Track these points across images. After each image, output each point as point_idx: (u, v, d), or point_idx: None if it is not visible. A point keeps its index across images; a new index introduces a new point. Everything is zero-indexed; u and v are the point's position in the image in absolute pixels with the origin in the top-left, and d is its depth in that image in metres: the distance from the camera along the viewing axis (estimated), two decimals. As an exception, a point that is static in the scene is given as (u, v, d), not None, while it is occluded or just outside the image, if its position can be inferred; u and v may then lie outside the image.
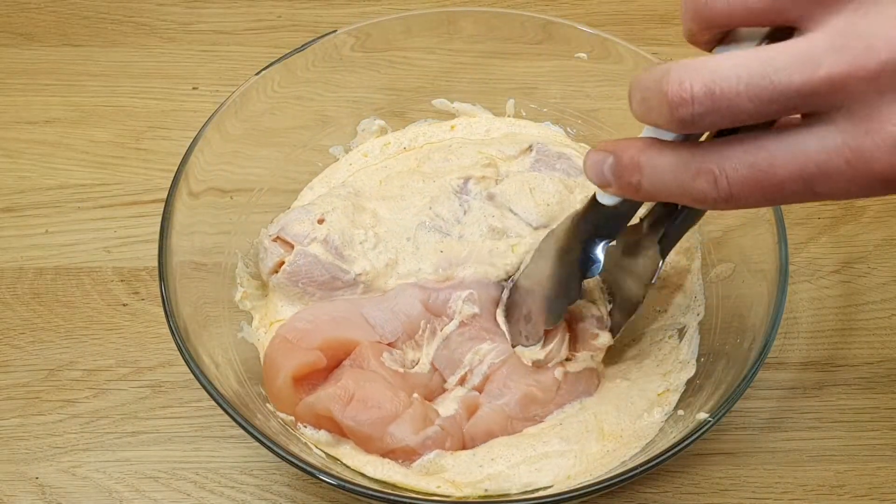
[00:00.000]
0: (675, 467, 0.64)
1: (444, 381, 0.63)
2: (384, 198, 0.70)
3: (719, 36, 0.46)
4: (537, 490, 0.59)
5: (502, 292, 0.65)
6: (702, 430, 0.55)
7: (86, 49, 0.88)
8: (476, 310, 0.64)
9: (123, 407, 0.67)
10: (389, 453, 0.60)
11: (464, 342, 0.64)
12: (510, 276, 0.66)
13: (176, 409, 0.67)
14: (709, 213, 0.62)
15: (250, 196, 0.71)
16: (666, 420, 0.62)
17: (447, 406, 0.62)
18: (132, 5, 0.91)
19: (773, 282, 0.60)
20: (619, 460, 0.59)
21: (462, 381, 0.63)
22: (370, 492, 0.55)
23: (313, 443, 0.61)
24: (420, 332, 0.64)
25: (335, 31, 0.74)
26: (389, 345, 0.64)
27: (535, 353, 0.62)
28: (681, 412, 0.61)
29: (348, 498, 0.63)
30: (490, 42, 0.76)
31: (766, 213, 0.63)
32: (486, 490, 0.58)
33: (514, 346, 0.63)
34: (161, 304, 0.59)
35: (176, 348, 0.57)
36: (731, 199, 0.44)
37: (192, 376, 0.57)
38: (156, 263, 0.61)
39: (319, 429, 0.61)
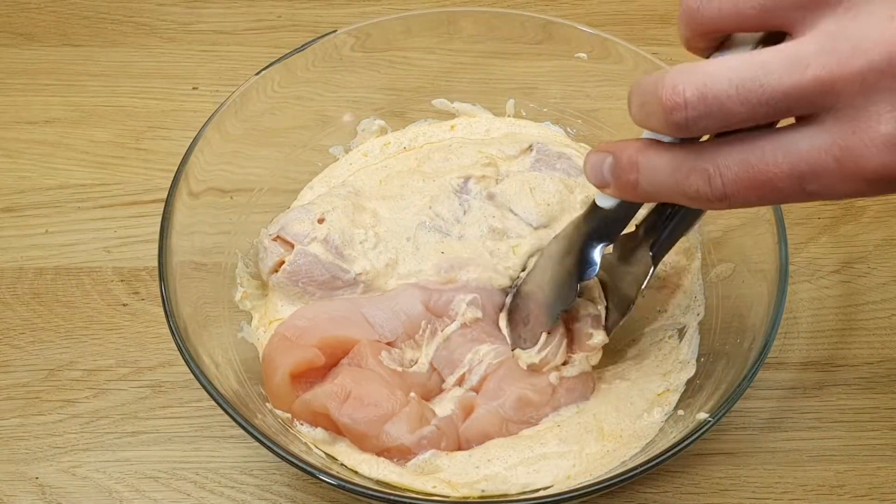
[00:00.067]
0: (675, 467, 0.64)
1: (443, 381, 0.64)
2: (384, 197, 0.70)
3: (716, 43, 0.47)
4: (537, 490, 0.59)
5: (506, 298, 0.65)
6: (702, 430, 0.55)
7: (86, 49, 0.88)
8: (479, 314, 0.64)
9: (123, 407, 0.67)
10: (384, 452, 0.60)
11: (464, 343, 0.64)
12: (514, 282, 0.66)
13: (176, 409, 0.67)
14: (709, 213, 0.62)
15: (250, 196, 0.71)
16: (666, 420, 0.62)
17: (444, 406, 0.62)
18: (132, 5, 0.91)
19: (773, 282, 0.60)
20: (619, 460, 0.59)
21: (460, 382, 0.63)
22: (370, 492, 0.55)
23: (309, 440, 0.61)
24: (420, 332, 0.64)
25: (335, 31, 0.74)
26: (389, 344, 0.64)
27: (531, 356, 0.62)
28: (681, 412, 0.61)
29: (348, 498, 0.63)
30: (490, 42, 0.76)
31: (766, 213, 0.63)
32: (483, 490, 0.58)
33: (513, 350, 0.63)
34: (161, 304, 0.59)
35: (176, 348, 0.57)
36: (725, 198, 0.45)
37: (192, 376, 0.57)
38: (156, 263, 0.61)
39: (316, 426, 0.61)
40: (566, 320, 0.63)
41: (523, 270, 0.66)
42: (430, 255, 0.66)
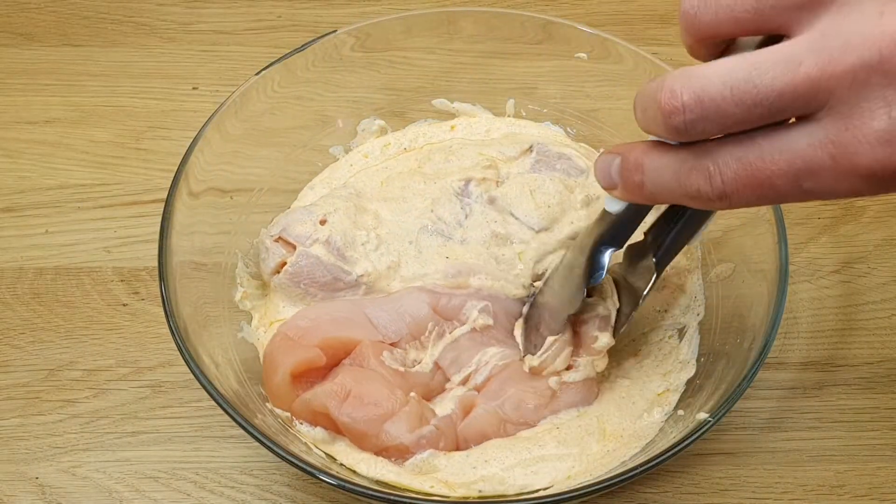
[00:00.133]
0: (675, 467, 0.64)
1: (447, 381, 0.64)
2: (386, 199, 0.70)
3: (718, 49, 0.48)
4: (536, 491, 0.59)
5: (523, 307, 0.66)
6: (702, 430, 0.55)
7: (86, 49, 0.88)
8: (490, 321, 0.64)
9: (123, 407, 0.67)
10: (383, 451, 0.60)
11: (473, 345, 0.64)
12: (530, 292, 0.66)
13: (176, 409, 0.67)
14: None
15: (250, 196, 0.71)
16: (666, 420, 0.62)
17: (444, 405, 0.62)
18: (132, 5, 0.91)
19: (773, 282, 0.60)
20: (619, 460, 0.59)
21: (465, 381, 0.63)
22: (371, 492, 0.55)
23: (309, 440, 0.61)
24: (426, 334, 0.64)
25: (335, 31, 0.74)
26: (392, 345, 0.64)
27: (532, 359, 0.63)
28: (681, 412, 0.61)
29: (348, 498, 0.63)
30: (490, 42, 0.76)
31: (766, 213, 0.63)
32: (480, 491, 0.58)
33: (524, 356, 0.64)
34: (161, 304, 0.59)
35: (176, 348, 0.57)
36: (725, 197, 0.45)
37: (192, 376, 0.57)
38: (156, 263, 0.61)
39: (315, 426, 0.61)
40: (574, 323, 0.63)
41: (538, 280, 0.66)
42: (432, 258, 0.66)
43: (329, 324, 0.63)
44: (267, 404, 0.62)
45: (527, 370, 0.63)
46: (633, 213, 0.56)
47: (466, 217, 0.68)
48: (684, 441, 0.54)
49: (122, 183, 0.78)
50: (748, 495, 0.63)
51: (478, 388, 0.63)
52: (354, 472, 0.60)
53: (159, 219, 0.62)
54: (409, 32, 0.75)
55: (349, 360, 0.63)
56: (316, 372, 0.62)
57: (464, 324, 0.64)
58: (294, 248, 0.66)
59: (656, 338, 0.67)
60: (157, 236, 0.62)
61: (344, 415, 0.59)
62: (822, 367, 0.68)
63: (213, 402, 0.56)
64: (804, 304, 0.71)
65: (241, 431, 0.55)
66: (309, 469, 0.54)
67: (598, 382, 0.64)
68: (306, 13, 0.91)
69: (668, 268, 0.64)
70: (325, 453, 0.61)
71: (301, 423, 0.61)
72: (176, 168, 0.65)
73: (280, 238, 0.67)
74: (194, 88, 0.85)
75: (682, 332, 0.66)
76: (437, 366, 0.63)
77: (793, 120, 0.44)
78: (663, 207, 0.59)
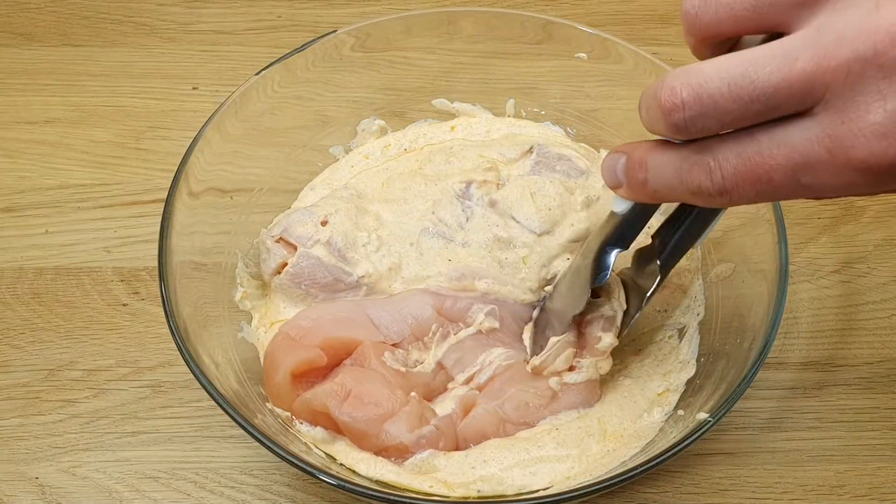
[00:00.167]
0: (675, 467, 0.64)
1: (451, 380, 0.64)
2: (387, 200, 0.70)
3: (722, 50, 0.48)
4: (535, 492, 0.59)
5: (532, 312, 0.65)
6: (702, 430, 0.55)
7: (86, 49, 0.88)
8: (496, 325, 0.64)
9: (123, 407, 0.67)
10: (383, 451, 0.60)
11: (478, 346, 0.64)
12: (538, 296, 0.66)
13: (176, 409, 0.67)
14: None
15: (250, 196, 0.71)
16: (666, 420, 0.62)
17: (445, 405, 0.62)
18: (132, 5, 0.91)
19: (773, 282, 0.60)
20: (619, 460, 0.59)
21: (469, 380, 0.63)
22: (371, 492, 0.55)
23: (309, 439, 0.61)
24: (430, 335, 0.64)
25: (335, 31, 0.74)
26: (394, 345, 0.64)
27: (534, 359, 0.63)
28: (681, 412, 0.61)
29: (348, 498, 0.63)
30: (490, 42, 0.76)
31: (767, 213, 0.63)
32: (478, 491, 0.58)
33: (531, 357, 0.64)
34: (161, 304, 0.60)
35: (176, 348, 0.57)
36: (726, 192, 0.46)
37: (192, 376, 0.57)
38: (156, 263, 0.61)
39: (315, 425, 0.61)
40: (579, 325, 0.63)
41: (547, 285, 0.66)
42: (434, 260, 0.66)
43: (331, 324, 0.63)
44: (267, 404, 0.62)
45: (529, 371, 0.63)
46: (639, 214, 0.56)
47: (468, 220, 0.68)
48: (684, 441, 0.54)
49: (122, 183, 0.78)
50: (748, 495, 0.63)
51: (480, 388, 0.63)
52: (354, 471, 0.60)
53: (159, 219, 0.62)
54: (409, 32, 0.75)
55: (350, 361, 0.63)
56: (317, 372, 0.62)
57: (470, 326, 0.64)
58: (295, 248, 0.66)
59: (656, 338, 0.67)
60: (157, 236, 0.62)
61: (344, 414, 0.59)
62: (822, 367, 0.68)
63: (213, 402, 0.56)
64: (804, 304, 0.71)
65: (241, 431, 0.55)
66: (309, 469, 0.54)
67: (602, 385, 0.64)
68: (306, 13, 0.91)
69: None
70: (325, 453, 0.61)
71: (301, 423, 0.61)
72: (176, 168, 0.65)
73: (281, 239, 0.67)
74: (194, 88, 0.85)
75: (682, 332, 0.66)
76: (439, 366, 0.63)
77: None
78: (670, 210, 0.59)
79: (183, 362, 0.57)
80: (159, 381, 0.68)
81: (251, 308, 0.68)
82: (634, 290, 0.62)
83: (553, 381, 0.62)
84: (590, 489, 0.54)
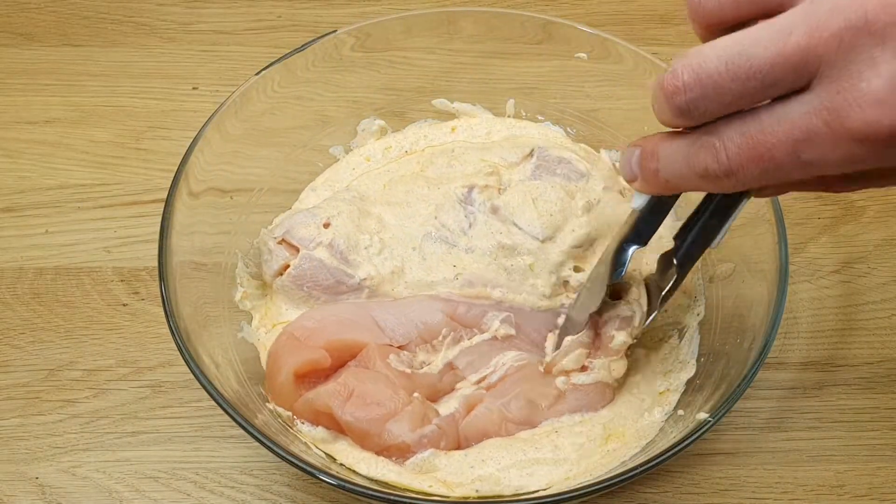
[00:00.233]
0: (675, 467, 0.64)
1: (460, 381, 0.63)
2: (389, 203, 0.70)
3: None
4: (534, 492, 0.59)
5: (557, 319, 0.65)
6: (702, 430, 0.55)
7: (86, 49, 0.88)
8: (512, 332, 0.64)
9: (123, 407, 0.67)
10: (384, 450, 0.60)
11: (493, 350, 0.64)
12: (554, 303, 0.65)
13: (176, 409, 0.67)
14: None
15: (250, 196, 0.71)
16: (666, 420, 0.62)
17: (449, 405, 0.62)
18: (132, 5, 0.91)
19: (773, 282, 0.60)
20: (619, 460, 0.59)
21: (481, 381, 0.63)
22: (371, 492, 0.55)
23: (309, 439, 0.61)
24: (440, 338, 0.64)
25: (335, 31, 0.74)
26: (400, 347, 0.63)
27: (546, 357, 0.63)
28: (681, 412, 0.61)
29: (348, 498, 0.63)
30: (490, 42, 0.76)
31: (767, 212, 0.63)
32: (477, 491, 0.58)
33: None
34: (161, 304, 0.59)
35: (176, 348, 0.57)
36: (731, 173, 0.46)
37: (192, 376, 0.57)
38: (156, 263, 0.61)
39: (317, 425, 0.61)
40: (596, 325, 0.63)
41: (565, 290, 0.66)
42: (438, 265, 0.66)
43: (336, 325, 0.63)
44: (267, 404, 0.62)
45: (541, 370, 0.63)
46: (655, 207, 0.56)
47: (471, 226, 0.68)
48: (684, 441, 0.54)
49: (122, 183, 0.78)
50: (748, 495, 0.63)
51: (490, 388, 0.63)
52: (354, 471, 0.60)
53: (159, 219, 0.62)
54: (409, 32, 0.75)
55: (355, 363, 0.62)
56: (320, 373, 0.62)
57: (485, 332, 0.64)
58: (297, 250, 0.66)
59: (656, 338, 0.67)
60: (157, 236, 0.62)
61: (347, 414, 0.59)
62: (822, 367, 0.68)
63: (213, 402, 0.56)
64: (804, 304, 0.71)
65: (241, 431, 0.55)
66: (309, 469, 0.54)
67: (614, 389, 0.64)
68: (306, 13, 0.91)
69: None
70: (325, 453, 0.61)
71: (302, 423, 0.61)
72: (176, 168, 0.65)
73: (283, 240, 0.67)
74: (194, 88, 0.85)
75: (682, 332, 0.66)
76: (449, 366, 0.63)
77: None
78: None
79: (183, 362, 0.57)
80: (159, 381, 0.68)
81: (251, 308, 0.68)
82: (654, 292, 0.63)
83: (560, 381, 0.62)
84: (590, 489, 0.54)
